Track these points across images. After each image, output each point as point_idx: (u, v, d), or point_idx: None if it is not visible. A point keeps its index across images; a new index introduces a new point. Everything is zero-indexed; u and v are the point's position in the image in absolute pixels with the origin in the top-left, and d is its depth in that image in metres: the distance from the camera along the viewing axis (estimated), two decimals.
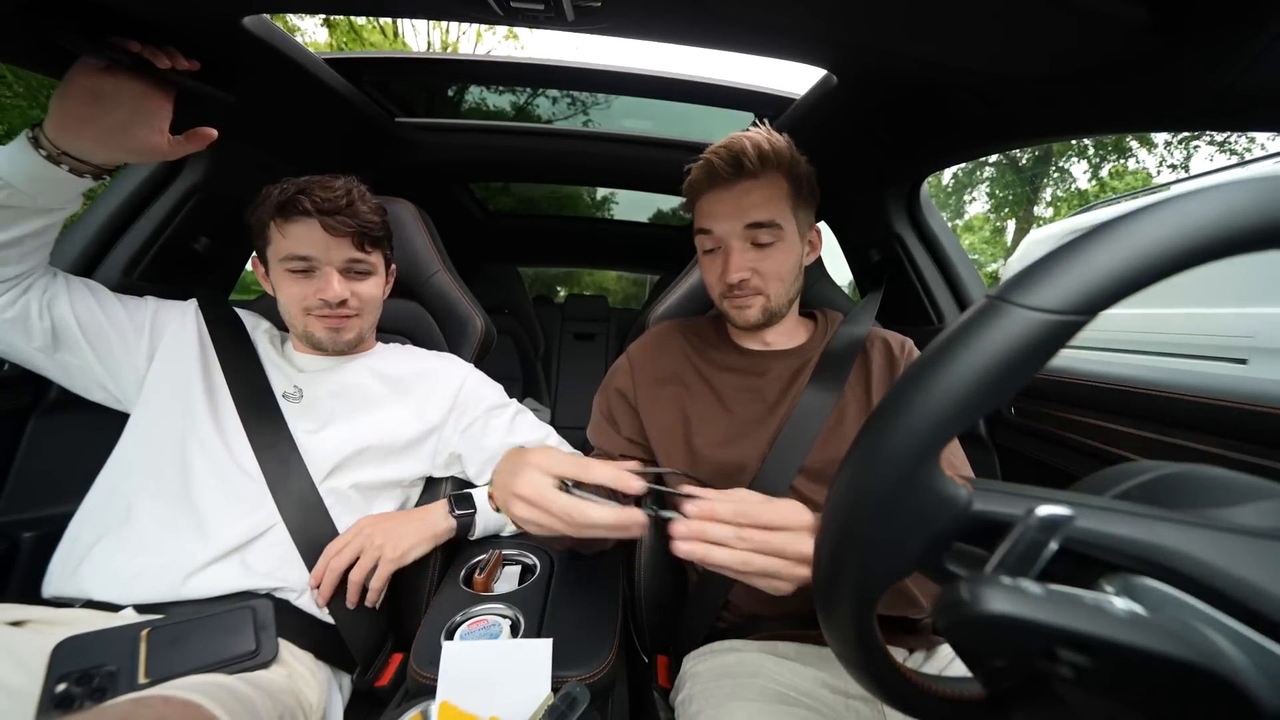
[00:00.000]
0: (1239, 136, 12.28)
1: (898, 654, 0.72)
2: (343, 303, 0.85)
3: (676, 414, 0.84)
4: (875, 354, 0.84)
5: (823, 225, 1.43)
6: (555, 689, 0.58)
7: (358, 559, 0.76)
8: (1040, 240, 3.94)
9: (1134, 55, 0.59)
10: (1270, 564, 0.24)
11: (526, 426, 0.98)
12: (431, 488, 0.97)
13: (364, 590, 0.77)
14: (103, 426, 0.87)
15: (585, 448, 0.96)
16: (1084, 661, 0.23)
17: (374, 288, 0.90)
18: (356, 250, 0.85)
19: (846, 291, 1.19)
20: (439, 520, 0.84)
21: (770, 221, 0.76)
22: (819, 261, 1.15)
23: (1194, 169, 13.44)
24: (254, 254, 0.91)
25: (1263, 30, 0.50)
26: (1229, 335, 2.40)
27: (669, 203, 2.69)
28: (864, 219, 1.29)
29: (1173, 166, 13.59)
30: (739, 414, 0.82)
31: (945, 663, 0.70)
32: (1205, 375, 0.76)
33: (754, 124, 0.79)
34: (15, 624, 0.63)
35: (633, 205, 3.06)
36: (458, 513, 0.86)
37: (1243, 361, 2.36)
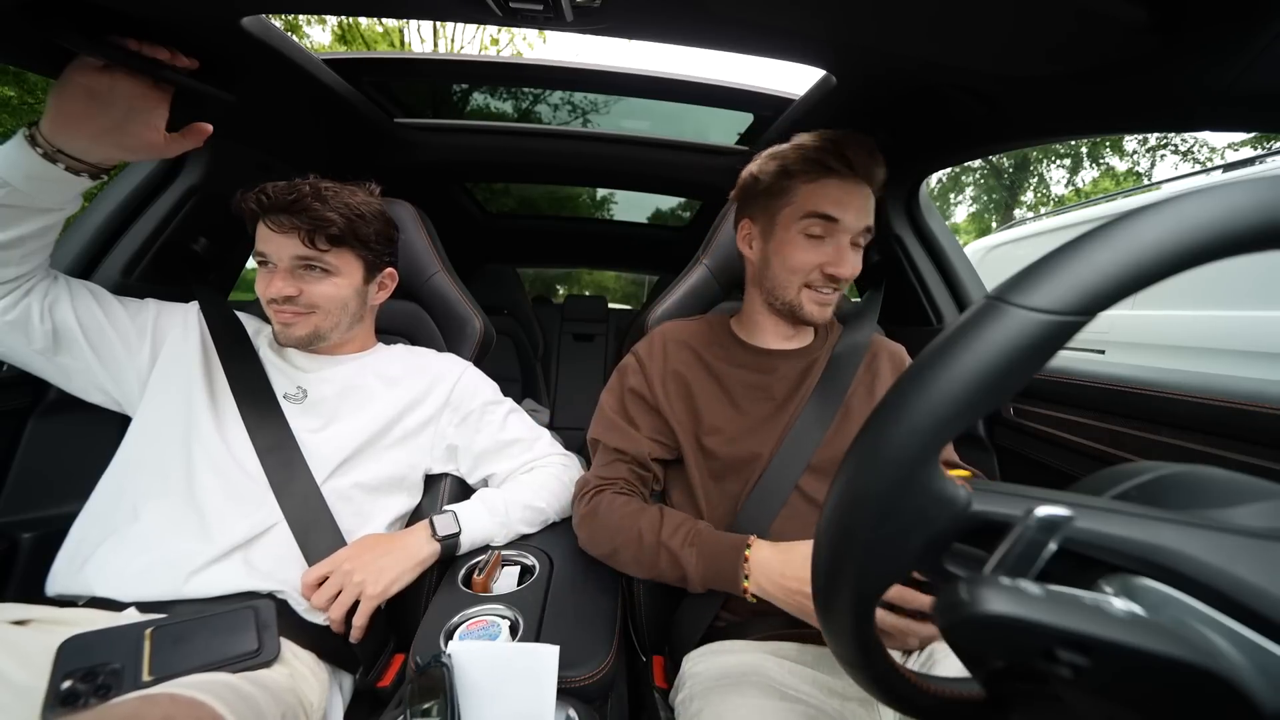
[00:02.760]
0: (1201, 146, 12.38)
1: (894, 652, 0.72)
2: (289, 299, 0.83)
3: (688, 410, 0.85)
4: (882, 364, 0.86)
5: None
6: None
7: (338, 595, 0.73)
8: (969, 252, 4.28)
9: (1133, 55, 0.59)
10: (1269, 565, 0.24)
11: (518, 425, 0.99)
12: (431, 489, 0.97)
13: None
14: (101, 428, 0.87)
15: (584, 449, 0.96)
16: (1083, 662, 0.23)
17: (333, 288, 0.86)
18: (306, 247, 0.82)
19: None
20: (421, 547, 0.81)
21: (870, 228, 0.78)
22: None
23: (1157, 176, 13.66)
24: None
25: (1262, 30, 0.50)
26: (1091, 331, 2.88)
27: (668, 203, 2.68)
28: None
29: (1138, 174, 13.82)
30: (749, 411, 0.83)
31: (942, 661, 0.70)
32: (1204, 375, 0.76)
33: (753, 124, 0.79)
34: (19, 623, 0.63)
35: (632, 206, 3.05)
36: (440, 535, 0.83)
37: (1100, 352, 2.85)
